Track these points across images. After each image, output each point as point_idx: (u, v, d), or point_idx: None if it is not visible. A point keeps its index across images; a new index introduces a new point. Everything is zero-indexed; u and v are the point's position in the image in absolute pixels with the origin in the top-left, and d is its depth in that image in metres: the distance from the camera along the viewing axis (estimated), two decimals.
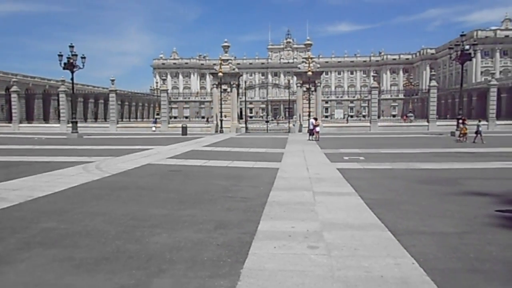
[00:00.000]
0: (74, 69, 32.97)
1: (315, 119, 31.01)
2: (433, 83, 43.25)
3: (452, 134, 31.48)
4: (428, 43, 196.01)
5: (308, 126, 29.96)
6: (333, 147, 21.58)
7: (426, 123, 41.41)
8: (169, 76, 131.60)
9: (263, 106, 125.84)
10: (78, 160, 15.53)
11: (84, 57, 33.38)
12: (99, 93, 78.28)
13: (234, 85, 41.54)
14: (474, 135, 24.72)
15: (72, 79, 33.73)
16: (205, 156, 17.35)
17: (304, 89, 39.56)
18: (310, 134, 28.92)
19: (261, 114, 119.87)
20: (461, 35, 32.05)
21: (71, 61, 32.60)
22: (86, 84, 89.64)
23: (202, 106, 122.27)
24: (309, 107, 38.03)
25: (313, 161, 15.35)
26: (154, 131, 41.80)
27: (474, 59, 78.55)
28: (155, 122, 45.88)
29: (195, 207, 7.76)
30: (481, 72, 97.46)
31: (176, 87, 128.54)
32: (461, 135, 25.91)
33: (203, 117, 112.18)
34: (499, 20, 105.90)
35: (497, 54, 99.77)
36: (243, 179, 11.21)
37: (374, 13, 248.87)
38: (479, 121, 26.79)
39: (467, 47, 31.45)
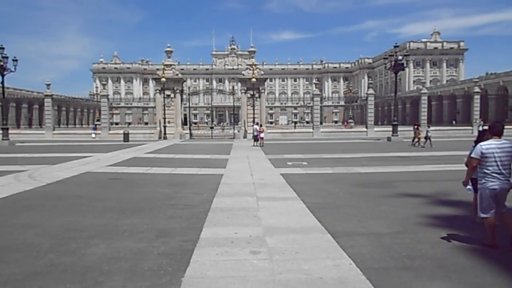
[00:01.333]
0: (5, 72, 30.82)
1: (260, 125, 31.38)
2: (371, 91, 45.34)
3: (389, 139, 33.16)
4: (366, 52, 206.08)
5: (253, 132, 30.22)
6: (277, 152, 21.92)
7: (365, 129, 43.26)
8: (110, 81, 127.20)
9: (208, 112, 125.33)
10: (9, 169, 14.52)
11: (16, 60, 31.35)
12: (34, 98, 73.83)
13: (178, 91, 41.01)
14: (425, 140, 26.32)
15: (2, 82, 31.51)
16: (147, 163, 16.93)
17: (249, 95, 39.91)
18: (254, 140, 29.18)
19: (206, 120, 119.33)
20: (395, 46, 33.97)
21: (2, 63, 30.45)
22: (19, 88, 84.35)
23: (145, 112, 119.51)
24: (254, 113, 38.39)
25: (257, 166, 15.49)
26: (94, 138, 40.11)
27: (407, 69, 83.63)
28: (95, 129, 44.04)
29: (135, 216, 7.54)
30: (414, 81, 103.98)
31: (117, 92, 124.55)
32: (416, 140, 27.15)
33: (146, 123, 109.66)
34: (429, 33, 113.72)
35: (428, 65, 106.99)
36: (187, 186, 11.07)
37: (315, 22, 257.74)
38: (428, 126, 28.45)
39: (400, 57, 33.39)
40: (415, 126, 28.00)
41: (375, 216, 7.45)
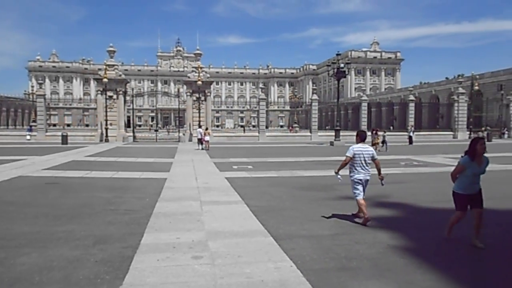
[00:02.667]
0: None
1: (206, 128, 31.27)
2: (315, 96, 46.61)
3: (331, 143, 34.23)
4: (311, 59, 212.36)
5: (197, 135, 29.99)
6: (222, 156, 21.88)
7: (309, 134, 44.35)
8: (47, 80, 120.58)
9: (153, 114, 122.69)
10: None
11: None
12: None
13: (121, 92, 39.73)
14: (381, 144, 27.41)
15: None
16: (87, 167, 16.22)
17: (194, 98, 39.55)
18: (199, 143, 28.97)
19: (151, 123, 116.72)
20: (337, 54, 35.21)
21: None
22: None
23: (86, 113, 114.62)
24: (199, 116, 38.09)
25: (202, 170, 15.36)
26: (29, 140, 37.76)
27: (348, 76, 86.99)
28: (30, 130, 41.48)
29: (72, 222, 7.19)
30: (355, 88, 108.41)
31: (56, 92, 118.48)
32: (374, 144, 27.69)
33: (87, 125, 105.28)
34: (369, 42, 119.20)
35: (368, 73, 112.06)
36: (128, 191, 10.74)
37: (262, 28, 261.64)
38: (384, 132, 29.62)
39: (342, 65, 34.62)
40: (374, 131, 28.75)
41: (317, 218, 7.65)
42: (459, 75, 66.15)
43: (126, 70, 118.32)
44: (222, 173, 14.36)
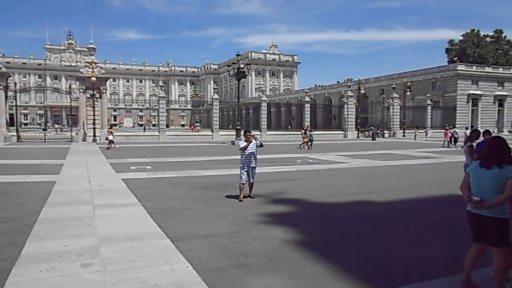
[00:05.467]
0: None
1: (110, 127, 29.88)
2: (216, 96, 46.82)
3: (233, 143, 34.70)
4: (212, 58, 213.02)
5: (94, 135, 28.29)
6: (119, 156, 20.88)
7: (211, 133, 44.41)
8: None
9: (41, 112, 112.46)
10: None
11: None
12: None
13: (1, 87, 35.64)
14: (310, 143, 28.98)
15: None
16: None
17: (88, 95, 37.09)
18: (109, 143, 27.47)
19: (39, 121, 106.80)
20: (237, 55, 35.78)
21: None
22: None
23: None
24: (94, 115, 35.85)
25: (96, 172, 14.49)
26: None
27: (249, 77, 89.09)
28: None
29: None
30: (256, 89, 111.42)
31: None
32: (304, 143, 29.18)
33: None
34: (268, 45, 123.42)
35: (267, 74, 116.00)
36: (9, 196, 9.69)
37: (161, 24, 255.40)
38: (311, 131, 30.85)
39: (242, 65, 35.27)
40: (303, 130, 30.16)
41: (215, 217, 7.70)
42: (348, 79, 71.45)
43: (8, 62, 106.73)
44: (119, 175, 13.71)
